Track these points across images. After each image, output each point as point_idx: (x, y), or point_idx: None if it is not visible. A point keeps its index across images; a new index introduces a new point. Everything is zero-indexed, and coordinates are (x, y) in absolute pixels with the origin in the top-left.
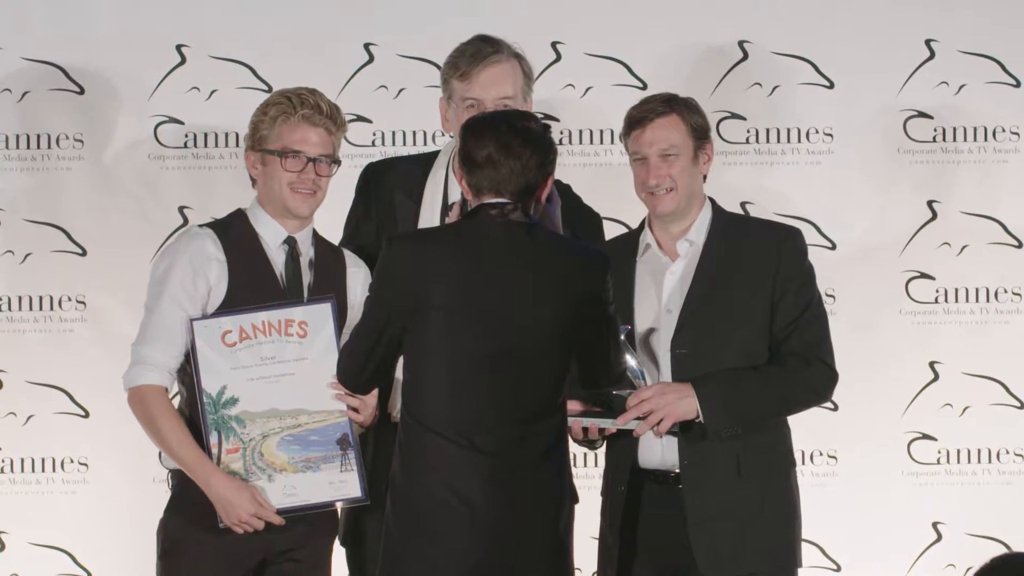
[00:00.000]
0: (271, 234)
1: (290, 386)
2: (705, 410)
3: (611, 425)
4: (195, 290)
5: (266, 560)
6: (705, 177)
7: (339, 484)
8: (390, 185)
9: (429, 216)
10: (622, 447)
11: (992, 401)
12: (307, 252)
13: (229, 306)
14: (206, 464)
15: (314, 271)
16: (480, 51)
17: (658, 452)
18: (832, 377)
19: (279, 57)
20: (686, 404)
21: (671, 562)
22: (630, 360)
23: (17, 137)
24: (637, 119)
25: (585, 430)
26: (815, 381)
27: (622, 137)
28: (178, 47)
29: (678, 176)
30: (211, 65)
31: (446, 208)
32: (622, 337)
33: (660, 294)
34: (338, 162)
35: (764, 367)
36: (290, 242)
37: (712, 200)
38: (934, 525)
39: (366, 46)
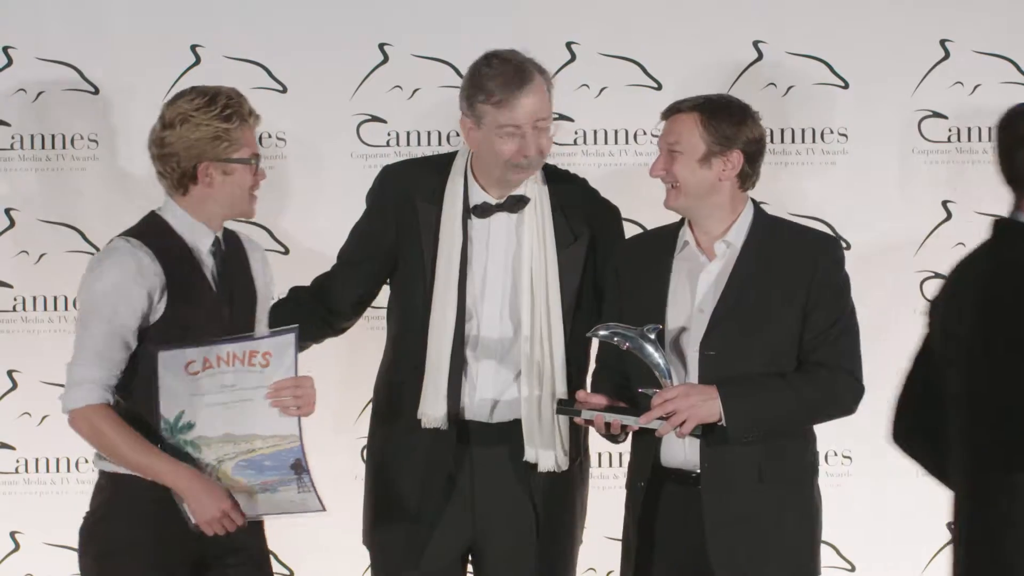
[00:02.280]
0: (201, 239)
1: (245, 412)
2: (728, 415)
3: (634, 423)
4: (138, 307)
5: (205, 563)
6: (747, 186)
7: (299, 502)
8: (409, 190)
9: (451, 222)
10: (646, 444)
11: None
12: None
13: (169, 320)
14: (175, 463)
15: (224, 264)
16: (513, 78)
17: (680, 452)
18: (858, 390)
19: (293, 57)
20: (709, 407)
21: (688, 562)
22: (658, 358)
23: (32, 137)
24: (664, 111)
25: (608, 425)
26: (841, 393)
27: None
28: (193, 47)
29: (679, 173)
30: (226, 65)
31: (467, 212)
32: (652, 336)
33: (694, 293)
34: None
35: (791, 375)
36: (216, 243)
37: (755, 203)
38: (948, 526)
39: (381, 46)
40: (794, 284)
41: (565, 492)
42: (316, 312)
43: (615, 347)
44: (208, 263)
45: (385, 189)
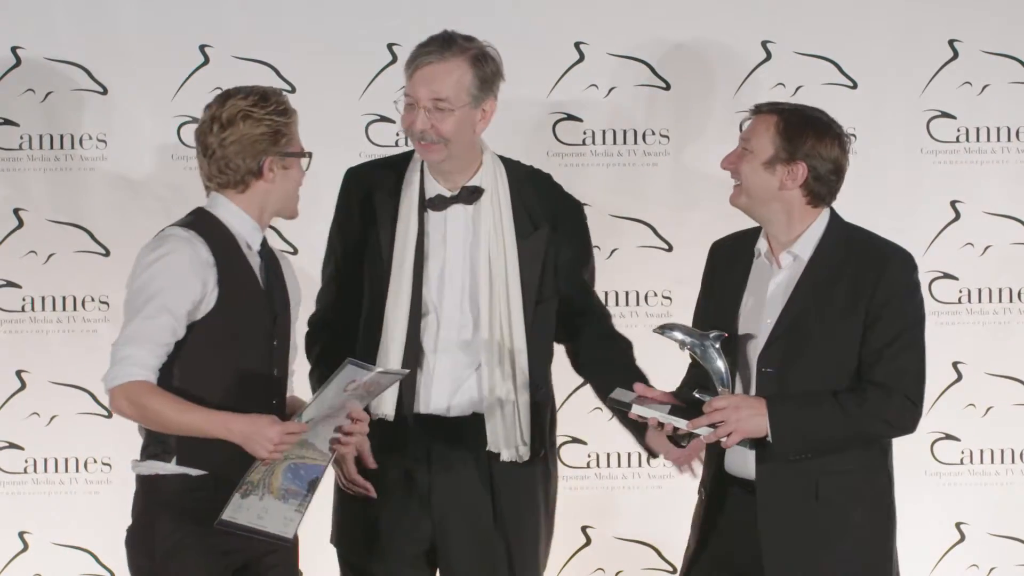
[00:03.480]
0: (252, 236)
1: (327, 426)
2: (774, 432)
3: (683, 426)
4: (191, 295)
5: (247, 564)
6: (817, 203)
7: (286, 521)
8: (370, 187)
9: (407, 215)
10: (712, 448)
11: (1015, 401)
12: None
13: (220, 313)
14: (218, 414)
15: (267, 266)
16: (423, 51)
17: (742, 460)
18: (915, 412)
19: (302, 57)
20: (757, 422)
21: (746, 572)
22: (720, 365)
23: (40, 137)
24: (753, 107)
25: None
26: (893, 414)
27: None
28: (201, 47)
29: (743, 171)
30: (234, 65)
31: (423, 206)
32: (716, 344)
33: (762, 304)
34: None
35: (843, 394)
36: (264, 243)
37: (834, 213)
38: (957, 525)
39: (389, 46)
40: (855, 299)
41: (527, 485)
42: (349, 343)
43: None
44: (256, 262)
45: (349, 190)
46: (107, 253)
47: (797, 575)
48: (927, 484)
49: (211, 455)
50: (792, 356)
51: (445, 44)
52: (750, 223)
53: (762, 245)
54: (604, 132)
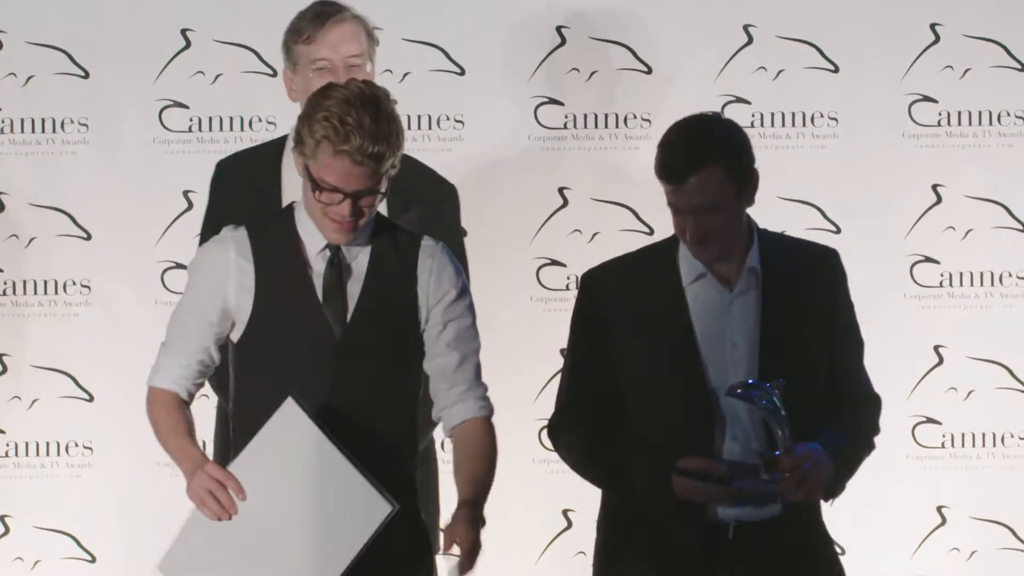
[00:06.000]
0: (311, 240)
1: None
2: (842, 478)
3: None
4: (210, 306)
5: None
6: None
7: None
8: (248, 176)
9: (291, 197)
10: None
11: (997, 385)
12: (359, 260)
13: (258, 318)
14: (186, 448)
15: (365, 281)
16: (322, 12)
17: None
18: (881, 403)
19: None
20: (829, 471)
21: None
22: (784, 415)
23: (22, 121)
24: (670, 175)
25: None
26: (879, 417)
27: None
28: (183, 31)
29: (721, 229)
30: (216, 49)
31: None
32: (778, 392)
33: (722, 328)
34: (383, 193)
35: (853, 420)
36: (331, 249)
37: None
38: (939, 509)
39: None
40: (822, 311)
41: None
42: None
43: (594, 397)
44: (319, 267)
45: (224, 182)
46: (88, 237)
47: None
48: (908, 468)
49: None
50: (780, 376)
51: (334, 5)
52: None
53: (694, 266)
54: (586, 116)
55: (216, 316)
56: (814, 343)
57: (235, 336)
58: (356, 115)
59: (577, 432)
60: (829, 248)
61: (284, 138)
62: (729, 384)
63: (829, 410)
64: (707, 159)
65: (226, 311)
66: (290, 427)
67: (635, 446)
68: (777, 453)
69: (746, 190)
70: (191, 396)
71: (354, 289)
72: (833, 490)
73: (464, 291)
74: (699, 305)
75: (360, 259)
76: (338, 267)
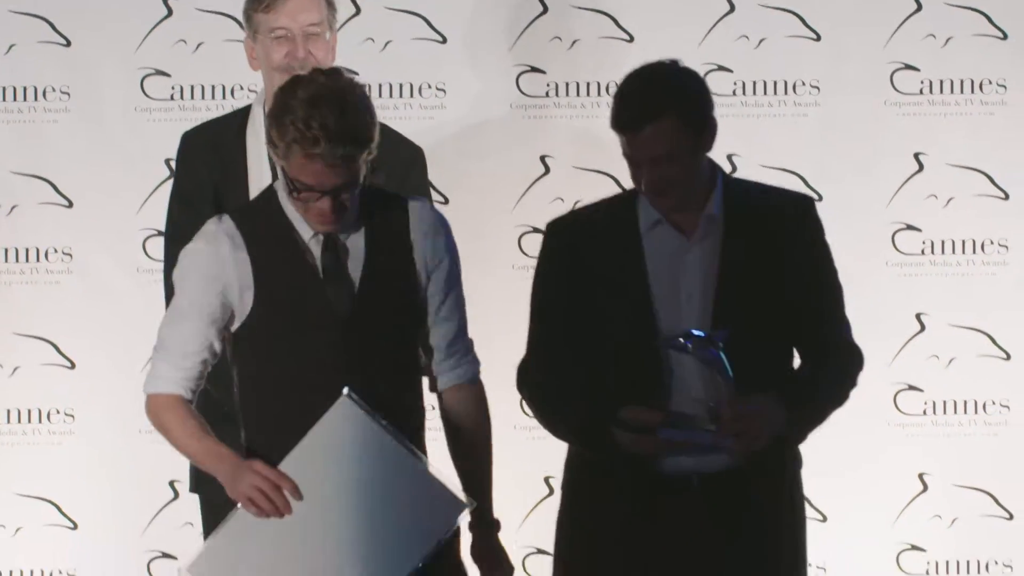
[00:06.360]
0: (302, 225)
1: None
2: (799, 430)
3: (707, 441)
4: (216, 299)
5: None
6: None
7: None
8: (213, 145)
9: (257, 162)
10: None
11: (979, 352)
12: (353, 238)
13: (263, 306)
14: (216, 448)
15: (365, 258)
16: None
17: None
18: (862, 356)
19: None
20: (781, 422)
21: None
22: (728, 366)
23: (3, 90)
24: (622, 125)
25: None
26: (859, 372)
27: None
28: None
29: (681, 179)
30: (198, 18)
31: None
32: (721, 344)
33: (679, 280)
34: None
35: (825, 369)
36: (326, 237)
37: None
38: (920, 476)
39: None
40: (792, 260)
41: None
42: None
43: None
44: (315, 248)
45: (190, 150)
46: (70, 205)
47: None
48: (890, 435)
49: None
50: (741, 327)
51: None
52: None
53: (656, 215)
54: (568, 84)
55: (218, 311)
56: (778, 293)
57: (234, 327)
58: (321, 116)
59: (540, 378)
60: (803, 195)
61: (248, 108)
62: (675, 335)
63: (805, 360)
64: (662, 109)
65: (227, 305)
66: (347, 424)
67: (587, 395)
68: (720, 405)
69: (703, 138)
70: (194, 395)
71: (355, 267)
72: (790, 439)
73: (455, 253)
74: (655, 253)
75: (355, 237)
76: (334, 249)
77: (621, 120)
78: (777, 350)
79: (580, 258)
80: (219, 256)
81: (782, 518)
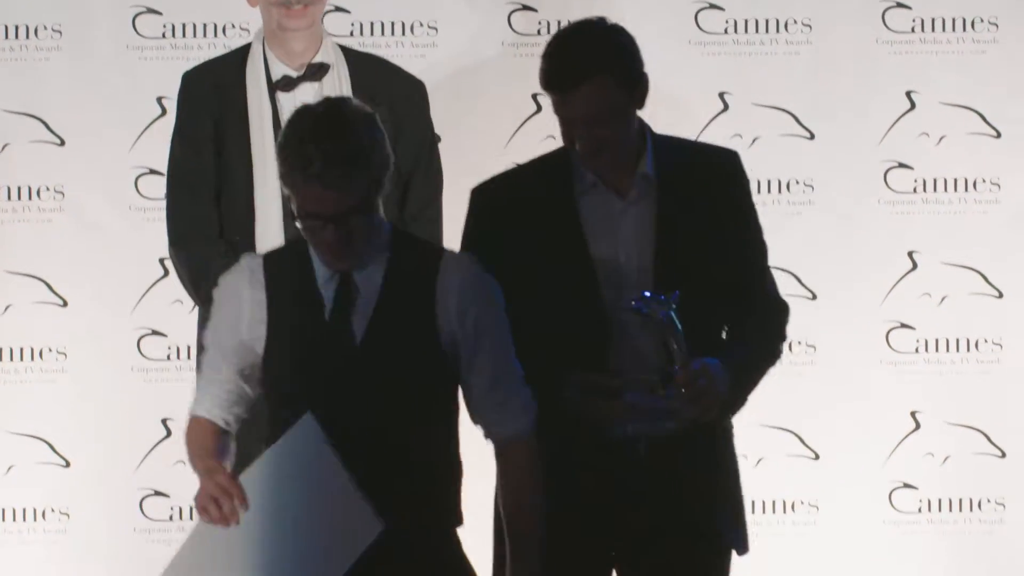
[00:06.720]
0: (322, 267)
1: None
2: (739, 393)
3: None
4: (228, 340)
5: None
6: None
7: None
8: (214, 83)
9: (257, 99)
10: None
11: (971, 290)
12: (371, 282)
13: (270, 349)
14: (204, 461)
15: (377, 304)
16: None
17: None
18: (788, 311)
19: None
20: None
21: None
22: (680, 329)
23: None
24: (553, 84)
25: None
26: (784, 323)
27: None
28: None
29: (616, 138)
30: None
31: (272, 88)
32: (674, 306)
33: (617, 242)
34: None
35: (754, 330)
36: (340, 275)
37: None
38: (913, 414)
39: None
40: (721, 217)
41: None
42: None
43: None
44: (328, 294)
45: (191, 90)
46: (62, 143)
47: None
48: (882, 373)
49: None
50: (680, 286)
51: None
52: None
53: (585, 176)
54: (559, 22)
55: (234, 348)
56: (713, 251)
57: (255, 355)
58: (317, 138)
59: None
60: (728, 151)
61: (248, 46)
62: (625, 298)
63: (732, 319)
64: (596, 68)
65: (244, 343)
66: (302, 442)
67: (531, 361)
68: (674, 368)
69: (636, 93)
70: (228, 424)
71: (365, 312)
72: (731, 404)
73: (489, 308)
74: (591, 216)
75: (373, 280)
76: (346, 292)
77: (553, 81)
78: (716, 308)
79: (513, 224)
80: (238, 294)
81: (722, 467)
